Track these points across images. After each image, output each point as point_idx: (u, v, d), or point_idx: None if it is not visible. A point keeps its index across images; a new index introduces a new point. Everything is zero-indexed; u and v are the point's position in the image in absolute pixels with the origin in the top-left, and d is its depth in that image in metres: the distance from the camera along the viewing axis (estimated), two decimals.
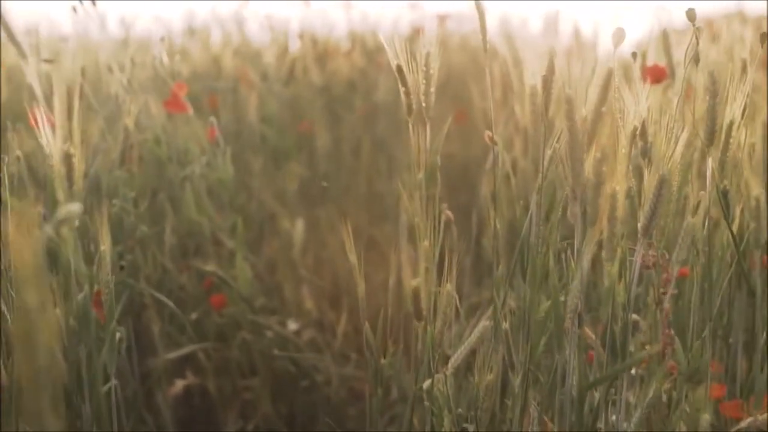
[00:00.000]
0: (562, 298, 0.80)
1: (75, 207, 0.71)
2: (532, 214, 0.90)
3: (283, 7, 2.55)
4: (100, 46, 2.33)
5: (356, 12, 2.68)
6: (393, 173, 2.05)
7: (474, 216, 1.96)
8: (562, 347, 0.85)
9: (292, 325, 1.63)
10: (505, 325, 0.91)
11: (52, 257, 0.81)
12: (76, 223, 0.85)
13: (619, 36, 0.91)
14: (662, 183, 0.79)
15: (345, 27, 2.63)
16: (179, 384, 1.54)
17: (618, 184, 0.70)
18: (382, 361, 1.04)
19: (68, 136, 0.82)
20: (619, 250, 0.74)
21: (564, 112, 0.70)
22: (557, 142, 0.91)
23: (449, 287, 0.84)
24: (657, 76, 1.14)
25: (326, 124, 2.12)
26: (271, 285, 1.73)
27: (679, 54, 1.22)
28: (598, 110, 0.69)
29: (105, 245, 0.86)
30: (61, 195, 0.76)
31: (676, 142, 0.84)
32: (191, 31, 2.58)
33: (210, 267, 1.54)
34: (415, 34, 2.37)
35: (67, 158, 0.80)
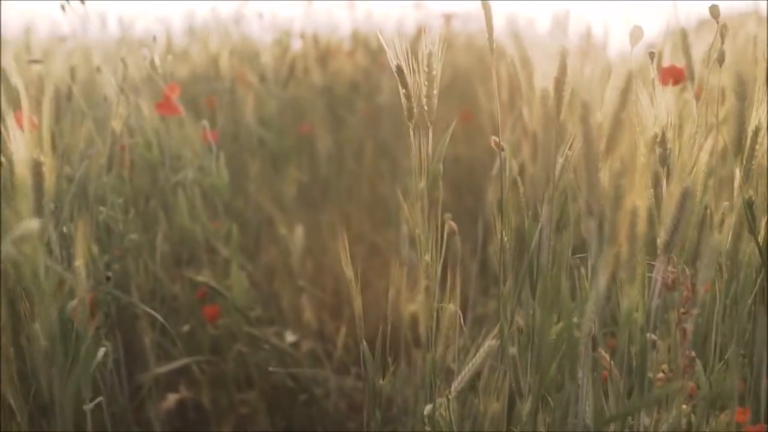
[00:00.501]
0: (575, 320, 0.73)
1: (33, 224, 0.65)
2: (542, 228, 0.83)
3: (285, 7, 2.49)
4: (97, 46, 2.28)
5: (360, 11, 2.62)
6: (396, 177, 1.98)
7: (479, 221, 1.89)
8: (575, 372, 0.78)
9: (290, 337, 1.56)
10: (513, 350, 0.84)
11: (18, 275, 0.75)
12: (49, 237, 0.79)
13: (636, 35, 0.84)
14: (686, 195, 0.72)
15: (348, 27, 2.57)
16: (172, 398, 1.47)
17: (639, 198, 0.63)
18: (381, 381, 0.98)
19: (38, 142, 0.75)
20: (639, 270, 0.67)
21: (578, 117, 0.63)
22: (569, 149, 0.85)
23: (452, 307, 0.77)
24: (675, 77, 1.07)
25: (327, 127, 2.05)
26: (268, 294, 1.66)
27: (694, 54, 1.15)
28: (617, 116, 0.62)
29: (80, 260, 0.79)
30: (25, 208, 0.69)
31: (700, 150, 0.78)
32: (191, 31, 2.51)
33: (204, 276, 1.47)
34: (420, 33, 2.30)
35: (36, 166, 0.74)
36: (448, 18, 2.59)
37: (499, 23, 1.04)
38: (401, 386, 1.05)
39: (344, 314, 1.77)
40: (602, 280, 0.69)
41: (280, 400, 1.57)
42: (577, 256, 0.94)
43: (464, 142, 2.07)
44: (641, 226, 0.64)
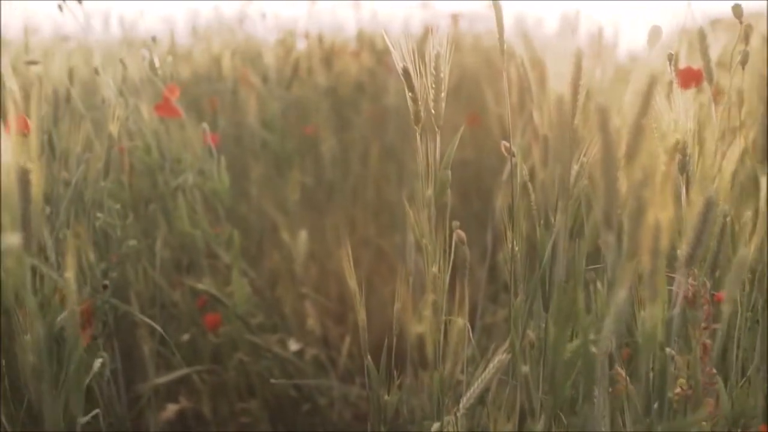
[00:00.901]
0: (592, 336, 0.69)
1: (14, 239, 0.61)
2: (556, 240, 0.79)
3: (289, 7, 2.45)
4: (99, 46, 2.24)
5: (365, 11, 2.59)
6: (403, 181, 1.94)
7: (487, 226, 1.85)
8: (591, 391, 0.74)
9: (293, 345, 1.52)
10: (525, 368, 0.80)
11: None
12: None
13: (655, 35, 0.80)
14: (709, 205, 0.68)
15: (353, 27, 2.53)
16: (171, 408, 1.43)
17: (661, 209, 0.59)
18: (386, 397, 0.94)
19: (26, 148, 0.71)
20: (661, 287, 0.63)
21: (596, 122, 0.58)
22: (584, 155, 0.80)
23: (461, 322, 0.73)
24: (691, 79, 1.03)
25: (332, 128, 2.01)
26: (271, 301, 1.62)
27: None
28: (638, 121, 0.58)
29: (70, 271, 0.75)
30: (8, 219, 0.65)
31: (722, 156, 0.73)
32: (194, 32, 2.48)
33: (205, 283, 1.43)
34: (427, 34, 2.26)
35: (23, 174, 0.70)
36: (455, 18, 2.55)
37: (507, 23, 1.01)
38: (407, 400, 1.01)
39: (349, 321, 1.74)
40: (621, 295, 0.65)
41: (283, 410, 1.53)
42: (591, 267, 0.90)
43: (472, 144, 2.03)
44: (664, 240, 0.60)
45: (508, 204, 0.96)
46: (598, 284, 0.71)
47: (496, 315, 1.47)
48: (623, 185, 0.60)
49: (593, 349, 0.66)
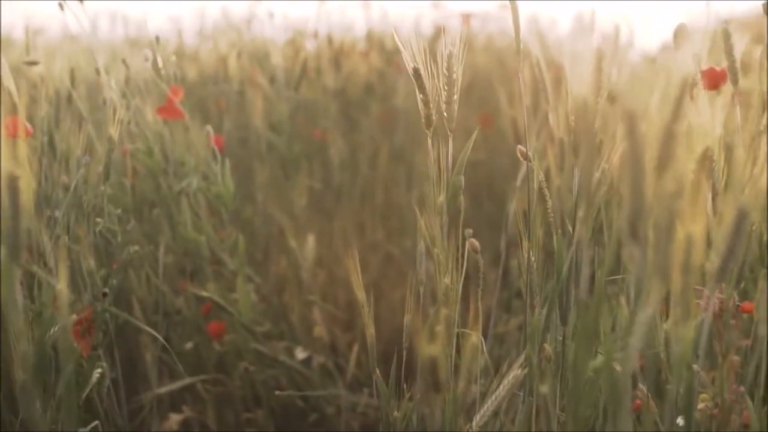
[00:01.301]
0: (616, 354, 0.64)
1: None
2: (578, 252, 0.74)
3: (298, 7, 2.42)
4: (105, 46, 2.20)
5: (375, 11, 2.55)
6: (413, 185, 1.90)
7: (500, 232, 1.80)
8: (614, 411, 0.69)
9: (300, 354, 1.48)
10: (544, 388, 0.75)
11: None
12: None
13: (681, 33, 0.75)
14: (741, 216, 0.64)
15: (363, 27, 2.49)
16: (174, 419, 1.39)
17: (693, 221, 0.55)
18: (396, 414, 0.90)
19: (15, 153, 0.67)
20: (693, 306, 0.58)
21: (623, 127, 0.54)
22: (606, 161, 0.76)
23: (475, 338, 0.68)
24: (717, 81, 0.98)
25: (340, 131, 1.97)
26: (277, 308, 1.58)
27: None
28: (670, 127, 0.54)
29: (62, 283, 0.71)
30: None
31: (753, 163, 0.69)
32: (201, 32, 2.44)
33: (209, 289, 1.39)
34: (439, 33, 2.22)
35: (12, 181, 0.66)
36: (466, 18, 2.51)
37: (521, 23, 0.97)
38: (418, 414, 0.97)
39: (357, 327, 1.70)
40: (647, 312, 0.61)
41: (290, 420, 1.49)
42: (611, 277, 0.86)
43: (483, 146, 1.98)
44: (697, 254, 0.55)
45: (523, 211, 0.92)
46: (621, 299, 0.66)
47: (508, 324, 1.42)
48: (651, 194, 0.56)
49: (617, 368, 0.62)
